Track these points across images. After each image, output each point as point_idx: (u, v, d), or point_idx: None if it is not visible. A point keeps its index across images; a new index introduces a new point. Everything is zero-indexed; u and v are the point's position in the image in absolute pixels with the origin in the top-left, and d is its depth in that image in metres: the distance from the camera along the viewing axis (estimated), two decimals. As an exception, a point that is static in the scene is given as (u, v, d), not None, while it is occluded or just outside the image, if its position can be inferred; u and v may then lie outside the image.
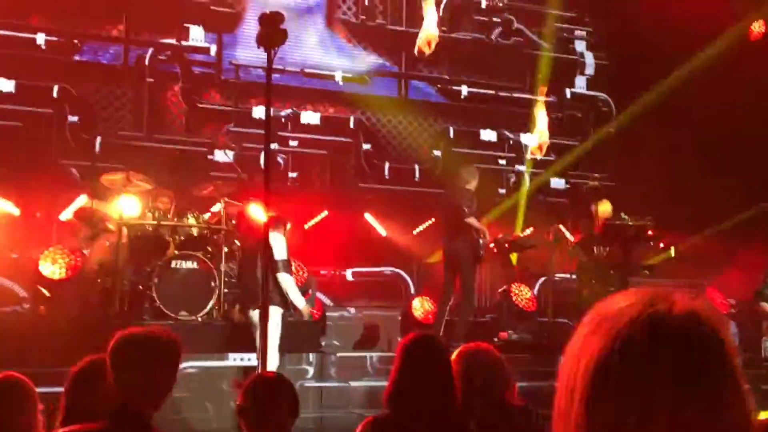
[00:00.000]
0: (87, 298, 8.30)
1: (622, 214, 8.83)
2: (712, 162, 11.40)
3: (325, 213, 11.18)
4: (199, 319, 7.93)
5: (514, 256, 10.46)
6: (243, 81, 11.36)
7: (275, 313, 6.83)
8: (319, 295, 9.88)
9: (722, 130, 11.25)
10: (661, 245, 9.47)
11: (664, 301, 1.02)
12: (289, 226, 7.40)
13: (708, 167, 11.38)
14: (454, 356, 3.19)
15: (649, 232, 8.72)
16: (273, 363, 6.42)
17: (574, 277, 9.43)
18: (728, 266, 11.10)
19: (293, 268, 7.41)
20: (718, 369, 0.97)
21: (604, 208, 9.13)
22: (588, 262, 9.09)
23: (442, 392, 2.83)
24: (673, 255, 9.36)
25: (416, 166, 12.20)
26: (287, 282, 7.07)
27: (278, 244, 7.14)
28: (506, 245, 10.11)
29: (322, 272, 10.75)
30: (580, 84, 13.31)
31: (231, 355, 7.52)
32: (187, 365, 7.28)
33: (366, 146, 12.04)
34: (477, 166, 12.11)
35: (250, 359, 7.27)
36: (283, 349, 7.19)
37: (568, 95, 13.19)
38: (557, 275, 10.00)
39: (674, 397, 0.95)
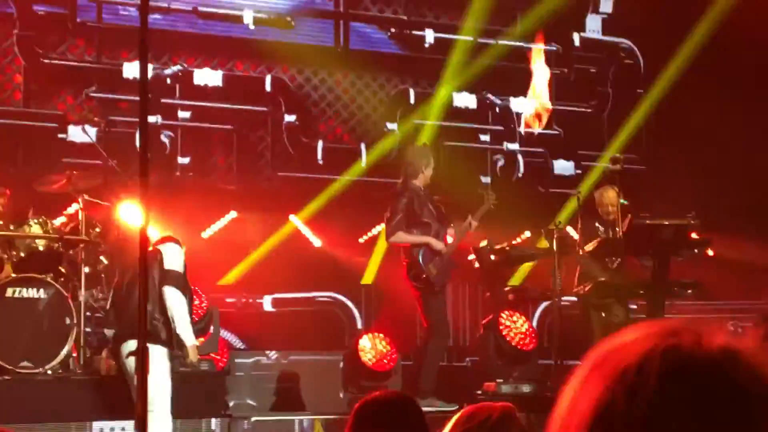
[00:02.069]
0: None
1: (622, 200, 9.02)
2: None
3: (231, 215, 11.14)
4: (49, 372, 7.83)
5: (520, 272, 10.56)
6: (109, 25, 11.26)
7: (160, 355, 6.78)
8: (225, 334, 9.85)
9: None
10: (709, 253, 9.63)
11: (691, 333, 1.06)
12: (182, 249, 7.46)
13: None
14: (448, 428, 3.21)
15: (693, 235, 8.86)
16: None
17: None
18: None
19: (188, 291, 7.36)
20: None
21: (609, 196, 9.29)
22: (606, 279, 9.20)
23: None
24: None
25: (362, 146, 12.23)
26: (176, 303, 7.06)
27: (171, 253, 7.22)
28: (493, 257, 10.18)
29: (228, 300, 10.71)
30: (594, 26, 13.47)
31: (96, 425, 7.47)
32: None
33: (289, 118, 12.02)
34: (450, 144, 12.36)
35: (125, 429, 7.23)
36: (175, 412, 7.14)
37: (577, 42, 13.34)
38: (564, 299, 10.10)
39: None
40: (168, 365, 6.99)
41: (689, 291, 9.19)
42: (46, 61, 11.09)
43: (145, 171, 4.69)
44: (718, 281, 10.13)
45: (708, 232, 9.07)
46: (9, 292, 7.94)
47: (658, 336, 1.07)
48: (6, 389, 7.34)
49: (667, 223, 8.99)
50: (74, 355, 8.02)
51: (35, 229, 8.33)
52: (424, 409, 8.21)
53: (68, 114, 10.91)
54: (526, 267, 10.91)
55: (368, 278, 11.28)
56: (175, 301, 7.06)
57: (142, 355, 4.39)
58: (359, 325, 11.09)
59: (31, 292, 7.99)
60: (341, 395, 9.93)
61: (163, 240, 7.36)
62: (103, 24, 11.28)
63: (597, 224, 9.48)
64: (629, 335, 1.10)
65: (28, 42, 11.00)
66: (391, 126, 12.41)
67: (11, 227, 8.32)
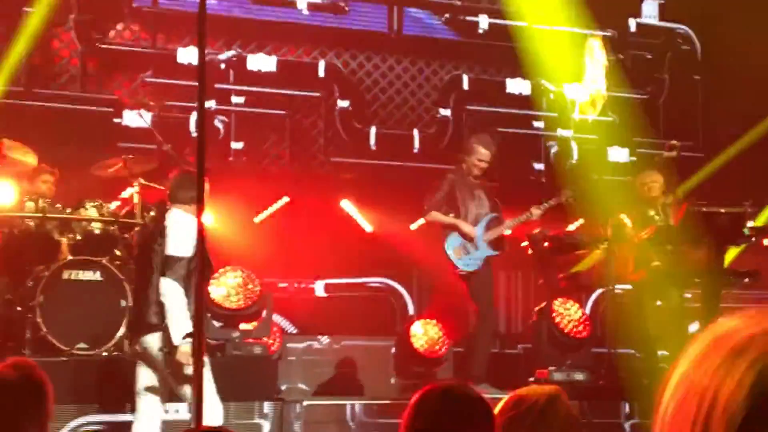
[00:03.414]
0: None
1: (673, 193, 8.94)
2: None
3: (284, 200, 11.18)
4: (104, 353, 7.93)
5: (588, 259, 10.47)
6: (164, 9, 11.35)
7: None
8: (277, 319, 9.90)
9: None
10: (766, 242, 9.52)
11: None
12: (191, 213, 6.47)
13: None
14: (497, 410, 3.22)
15: (749, 224, 8.77)
16: (215, 415, 6.41)
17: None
18: None
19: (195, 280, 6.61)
20: None
21: (649, 181, 9.22)
22: (660, 266, 9.13)
23: None
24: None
25: (415, 132, 12.22)
26: (170, 293, 6.34)
27: (176, 230, 6.46)
28: (546, 244, 10.14)
29: (280, 285, 10.77)
30: (650, 11, 13.35)
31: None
32: (85, 421, 7.27)
33: (342, 103, 12.05)
34: (501, 131, 12.31)
35: (178, 410, 7.29)
36: (228, 395, 7.19)
37: (633, 27, 13.23)
38: (618, 287, 10.04)
39: None
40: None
41: (746, 280, 9.11)
42: (102, 46, 11.19)
43: (201, 155, 4.72)
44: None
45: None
46: (65, 274, 8.04)
47: None
48: (62, 370, 7.42)
49: (723, 210, 8.90)
50: (129, 338, 8.08)
51: (91, 212, 8.42)
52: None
53: (123, 99, 11.01)
54: (595, 254, 10.80)
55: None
56: (169, 295, 6.34)
57: (198, 342, 4.42)
58: (411, 311, 11.10)
59: (87, 275, 8.08)
60: (392, 381, 9.96)
61: (165, 199, 6.83)
62: (158, 8, 11.37)
63: (650, 211, 9.41)
64: (753, 324, 1.12)
65: (85, 27, 11.11)
66: (444, 112, 12.39)
67: (68, 210, 8.41)
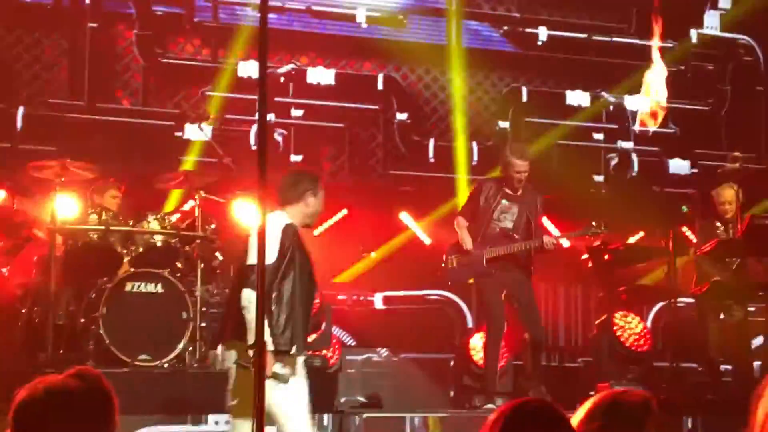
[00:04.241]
0: (6, 336, 8.37)
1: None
2: None
3: (343, 212, 11.20)
4: (166, 365, 7.97)
5: (658, 272, 10.18)
6: (225, 24, 11.43)
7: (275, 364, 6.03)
8: (337, 331, 9.91)
9: None
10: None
11: None
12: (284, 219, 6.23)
13: None
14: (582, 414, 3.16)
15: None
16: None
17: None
18: None
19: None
20: None
21: (728, 195, 9.08)
22: (722, 279, 9.01)
23: None
24: None
25: (474, 145, 12.19)
26: (250, 304, 5.87)
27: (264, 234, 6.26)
28: (606, 257, 10.05)
29: (339, 297, 10.77)
30: (712, 22, 13.21)
31: (212, 418, 7.53)
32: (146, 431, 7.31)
33: (401, 116, 12.05)
34: (563, 144, 12.24)
35: (218, 422, 7.31)
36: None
37: (694, 39, 13.10)
38: (680, 300, 9.93)
39: None
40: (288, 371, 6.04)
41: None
42: (163, 60, 11.30)
43: (262, 169, 4.73)
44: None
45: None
46: (128, 286, 8.09)
47: None
48: (125, 381, 7.47)
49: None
50: (190, 349, 8.13)
51: (153, 225, 8.47)
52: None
53: (185, 113, 11.09)
54: (657, 267, 10.66)
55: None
56: (250, 306, 5.85)
57: (260, 355, 4.41)
58: (470, 324, 11.05)
59: (149, 287, 8.11)
60: (451, 394, 9.92)
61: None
62: (219, 23, 11.45)
63: (717, 224, 9.29)
64: None
65: (147, 42, 11.23)
66: (503, 124, 12.34)
67: (130, 223, 8.47)
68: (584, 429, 2.99)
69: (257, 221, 6.23)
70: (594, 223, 8.92)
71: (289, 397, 5.97)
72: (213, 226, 8.60)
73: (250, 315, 5.84)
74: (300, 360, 6.08)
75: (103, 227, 8.32)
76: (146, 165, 10.46)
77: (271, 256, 5.87)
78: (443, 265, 9.01)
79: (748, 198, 9.37)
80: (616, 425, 3.04)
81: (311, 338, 8.89)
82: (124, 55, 11.24)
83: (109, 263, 8.37)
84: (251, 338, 5.70)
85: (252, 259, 5.99)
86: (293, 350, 5.94)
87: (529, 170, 8.73)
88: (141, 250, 8.46)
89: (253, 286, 5.81)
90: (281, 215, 6.13)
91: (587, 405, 3.09)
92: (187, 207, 9.25)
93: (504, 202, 8.80)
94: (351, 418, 8.12)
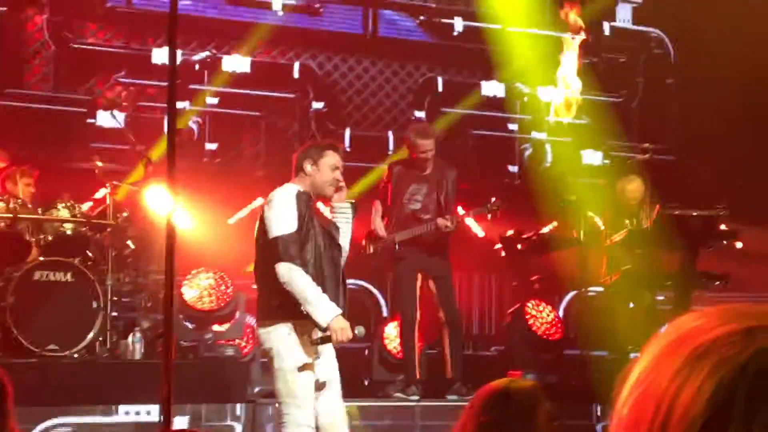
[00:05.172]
0: None
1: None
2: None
3: (259, 201, 11.14)
4: (76, 355, 7.89)
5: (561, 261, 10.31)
6: (138, 9, 11.30)
7: (282, 333, 5.96)
8: (250, 320, 9.86)
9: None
10: (738, 245, 9.56)
11: None
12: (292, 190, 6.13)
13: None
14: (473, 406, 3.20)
15: (722, 226, 8.80)
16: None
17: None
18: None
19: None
20: None
21: (633, 187, 9.21)
22: (632, 268, 9.15)
23: None
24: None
25: (390, 134, 12.21)
26: (293, 279, 5.79)
27: (276, 210, 6.00)
28: (519, 246, 10.15)
29: (253, 287, 10.70)
30: (624, 15, 13.39)
31: (122, 408, 7.49)
32: (56, 422, 7.22)
33: (317, 105, 12.03)
34: (479, 133, 12.32)
35: (150, 412, 7.26)
36: (200, 397, 7.16)
37: (607, 31, 13.27)
38: (591, 289, 10.07)
39: None
40: (286, 346, 5.94)
41: (717, 282, 9.14)
42: (75, 46, 11.14)
43: (173, 156, 4.69)
44: (747, 273, 10.06)
45: (737, 224, 9.02)
46: (36, 275, 7.99)
47: (766, 331, 1.07)
48: (33, 372, 7.38)
49: (695, 213, 8.94)
50: (101, 339, 8.06)
51: (63, 213, 8.38)
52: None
53: (96, 99, 10.95)
54: (568, 256, 10.76)
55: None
56: (294, 281, 5.79)
57: (167, 340, 4.41)
58: (384, 313, 11.07)
59: (59, 276, 8.03)
60: (366, 383, 9.93)
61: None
62: (132, 9, 11.31)
63: (627, 213, 9.43)
64: (719, 323, 1.09)
65: (58, 27, 11.05)
66: (419, 114, 12.39)
67: (39, 211, 8.36)
68: (479, 421, 3.04)
69: (167, 208, 6.24)
70: (493, 199, 8.95)
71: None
72: (125, 214, 8.53)
73: (296, 288, 5.77)
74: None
75: (10, 215, 8.20)
76: (58, 152, 10.30)
77: (291, 225, 5.88)
78: (362, 252, 8.99)
79: (657, 189, 9.52)
80: (509, 415, 3.11)
81: (224, 327, 8.87)
82: (35, 40, 11.05)
83: (18, 252, 8.25)
84: (308, 310, 5.73)
85: (274, 230, 5.89)
86: (332, 312, 5.79)
87: (436, 148, 8.73)
88: (50, 238, 8.35)
89: (286, 257, 5.79)
90: (290, 185, 6.16)
91: (480, 397, 3.15)
92: (99, 195, 9.11)
93: (413, 184, 8.81)
94: (264, 408, 8.10)
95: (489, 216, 9.00)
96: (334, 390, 6.17)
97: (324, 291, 5.88)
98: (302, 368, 5.91)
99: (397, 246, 8.78)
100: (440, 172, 8.80)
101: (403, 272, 8.82)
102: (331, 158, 6.25)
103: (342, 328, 5.76)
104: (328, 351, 6.13)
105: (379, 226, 8.81)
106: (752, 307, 1.10)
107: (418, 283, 8.85)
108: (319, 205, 6.46)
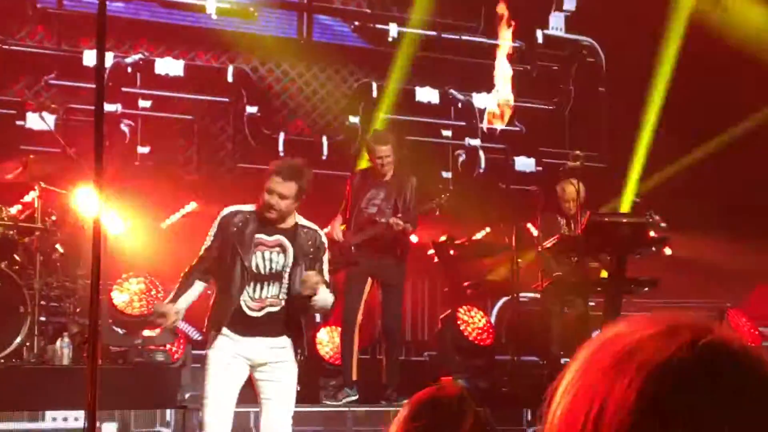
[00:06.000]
0: None
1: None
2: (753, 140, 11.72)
3: (192, 206, 11.06)
4: (2, 360, 7.78)
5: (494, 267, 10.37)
6: (69, 10, 11.17)
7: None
8: (182, 326, 9.77)
9: None
10: (667, 251, 9.69)
11: (703, 330, 1.11)
12: None
13: (747, 146, 11.70)
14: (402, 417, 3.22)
15: (651, 234, 8.90)
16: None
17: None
18: (759, 284, 11.44)
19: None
20: None
21: (571, 189, 9.29)
22: (564, 275, 9.23)
23: None
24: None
25: (324, 139, 12.19)
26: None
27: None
28: (452, 252, 10.18)
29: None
30: (557, 23, 13.51)
31: (49, 414, 7.42)
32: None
33: (251, 109, 11.97)
34: (413, 139, 12.33)
35: (77, 419, 7.17)
36: (129, 403, 7.10)
37: (540, 39, 13.38)
38: (523, 295, 10.14)
39: None
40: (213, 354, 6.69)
41: (645, 288, 9.24)
42: (4, 47, 10.98)
43: (101, 159, 4.63)
44: (675, 279, 10.19)
45: (667, 231, 9.12)
46: (-38, 280, 7.87)
47: (681, 334, 1.10)
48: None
49: (625, 220, 9.03)
50: (27, 344, 7.95)
51: (-11, 216, 8.24)
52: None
53: (26, 101, 10.80)
54: (501, 262, 10.82)
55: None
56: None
57: (92, 345, 4.35)
58: (317, 318, 11.03)
59: (-16, 280, 7.92)
60: (298, 388, 9.87)
61: None
62: (63, 10, 11.18)
63: (560, 219, 9.51)
64: (639, 330, 1.13)
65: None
66: (353, 119, 12.39)
67: (-34, 214, 8.22)
68: (407, 428, 3.04)
69: (94, 211, 6.19)
70: (443, 195, 9.10)
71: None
72: (54, 217, 8.41)
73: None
74: None
75: (-65, 218, 8.05)
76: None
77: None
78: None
79: (589, 195, 9.61)
80: (437, 422, 3.12)
81: (155, 333, 8.78)
82: (-37, 40, 10.87)
83: (-57, 255, 8.12)
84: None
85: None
86: None
87: (393, 154, 8.81)
88: (-23, 242, 8.22)
89: None
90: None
91: (408, 406, 3.16)
92: (27, 198, 8.97)
93: (372, 189, 8.86)
94: (194, 413, 8.03)
95: (438, 212, 9.13)
96: (274, 409, 6.46)
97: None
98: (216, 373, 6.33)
99: (352, 248, 8.80)
100: (400, 178, 8.91)
101: (354, 275, 8.85)
102: (268, 182, 6.56)
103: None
104: (278, 369, 6.51)
105: (337, 231, 8.82)
106: (676, 312, 1.15)
107: (367, 288, 8.86)
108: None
